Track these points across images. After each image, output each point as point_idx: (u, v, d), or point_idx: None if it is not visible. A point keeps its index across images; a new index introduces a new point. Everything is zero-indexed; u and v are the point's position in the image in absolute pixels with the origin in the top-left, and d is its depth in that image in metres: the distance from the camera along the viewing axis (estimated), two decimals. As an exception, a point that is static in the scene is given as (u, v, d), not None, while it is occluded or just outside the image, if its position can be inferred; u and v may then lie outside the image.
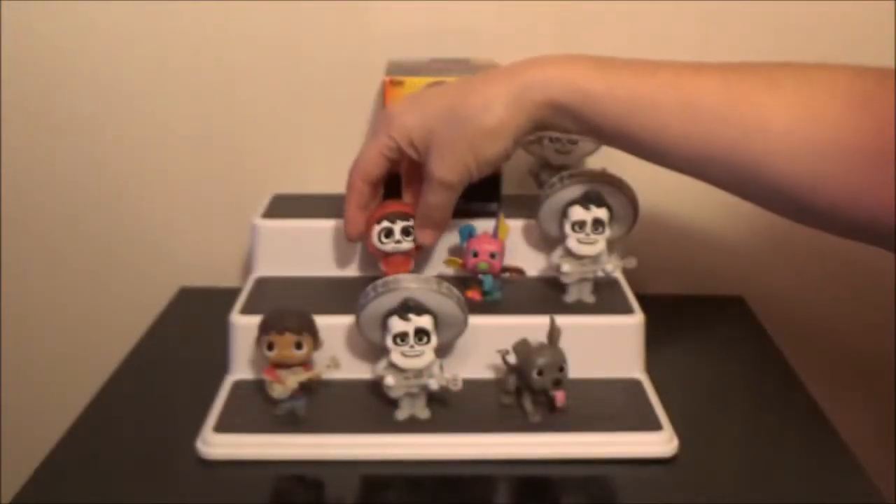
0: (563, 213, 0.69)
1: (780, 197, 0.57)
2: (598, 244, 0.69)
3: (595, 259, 0.69)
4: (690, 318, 0.82)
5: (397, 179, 0.72)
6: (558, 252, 0.70)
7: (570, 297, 0.71)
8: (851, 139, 0.53)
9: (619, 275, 0.74)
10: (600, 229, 0.69)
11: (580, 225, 0.68)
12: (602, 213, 0.68)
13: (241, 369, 0.68)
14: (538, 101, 0.60)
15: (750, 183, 0.58)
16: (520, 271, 0.71)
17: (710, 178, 0.60)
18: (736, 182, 0.59)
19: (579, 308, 0.70)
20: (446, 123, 0.62)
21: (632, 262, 0.70)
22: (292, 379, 0.61)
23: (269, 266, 0.75)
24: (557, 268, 0.70)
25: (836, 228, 0.57)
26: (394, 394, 0.62)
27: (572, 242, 0.69)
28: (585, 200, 0.68)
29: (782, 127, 0.55)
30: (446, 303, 0.61)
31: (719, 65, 0.59)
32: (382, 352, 0.62)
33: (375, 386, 0.63)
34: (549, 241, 0.72)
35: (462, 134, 0.62)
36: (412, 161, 0.66)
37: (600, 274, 0.70)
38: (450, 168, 0.63)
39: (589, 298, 0.71)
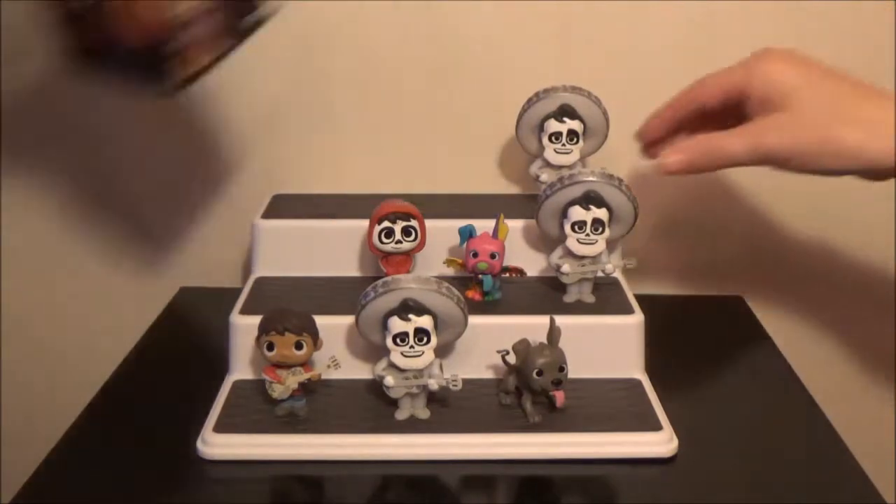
0: (563, 214, 0.69)
1: None
2: (598, 244, 0.69)
3: (595, 259, 0.70)
4: (690, 318, 0.82)
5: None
6: (558, 252, 0.70)
7: (570, 297, 0.71)
8: None
9: (619, 275, 0.74)
10: (600, 229, 0.69)
11: (580, 225, 0.68)
12: (602, 213, 0.68)
13: (241, 369, 0.68)
14: None
15: None
16: (520, 271, 0.71)
17: None
18: None
19: (579, 308, 0.70)
20: (817, 106, 0.59)
21: (632, 263, 0.70)
22: (292, 379, 0.61)
23: (269, 266, 0.75)
24: (557, 268, 0.70)
25: None
26: (394, 394, 0.62)
27: (572, 242, 0.69)
28: (585, 201, 0.68)
29: None
30: (446, 303, 0.61)
31: None
32: (382, 352, 0.62)
33: (375, 386, 0.63)
34: (548, 242, 0.72)
35: (821, 128, 0.58)
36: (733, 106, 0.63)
37: (600, 274, 0.70)
38: (778, 143, 0.60)
39: (589, 298, 0.71)
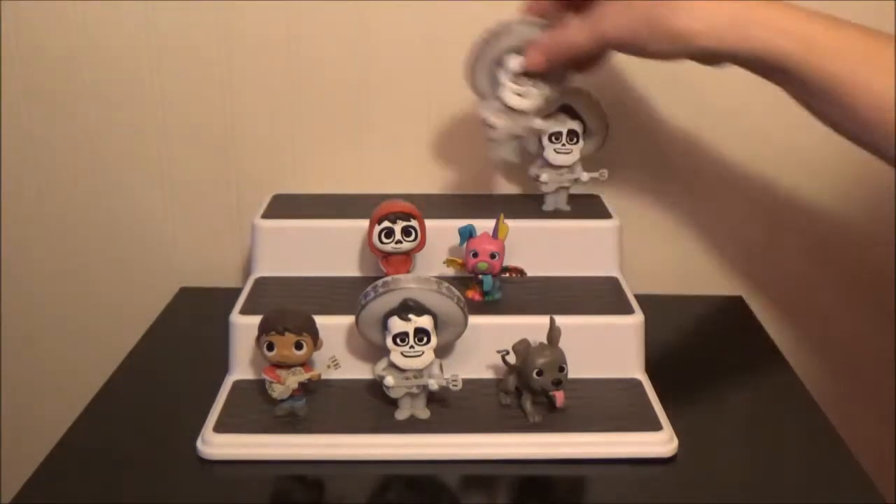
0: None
1: None
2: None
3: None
4: (690, 318, 0.82)
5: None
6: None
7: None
8: None
9: (618, 274, 0.74)
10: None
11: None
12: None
13: (241, 369, 0.68)
14: (753, 42, 0.56)
15: None
16: (520, 271, 0.71)
17: None
18: None
19: (579, 308, 0.70)
20: None
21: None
22: (292, 379, 0.61)
23: (268, 266, 0.75)
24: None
25: None
26: (394, 394, 0.62)
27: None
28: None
29: None
30: (446, 303, 0.61)
31: None
32: (382, 352, 0.62)
33: (375, 386, 0.63)
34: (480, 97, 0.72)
35: (649, 13, 0.58)
36: None
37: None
38: (615, 28, 0.60)
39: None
